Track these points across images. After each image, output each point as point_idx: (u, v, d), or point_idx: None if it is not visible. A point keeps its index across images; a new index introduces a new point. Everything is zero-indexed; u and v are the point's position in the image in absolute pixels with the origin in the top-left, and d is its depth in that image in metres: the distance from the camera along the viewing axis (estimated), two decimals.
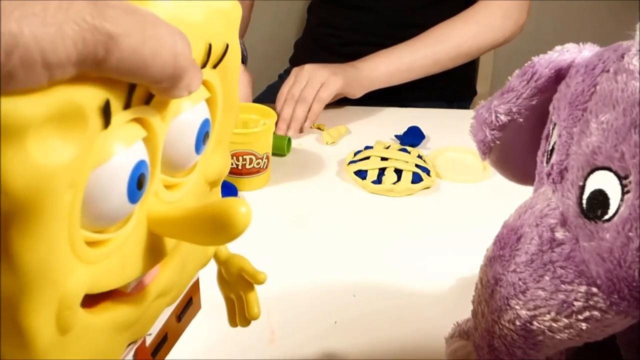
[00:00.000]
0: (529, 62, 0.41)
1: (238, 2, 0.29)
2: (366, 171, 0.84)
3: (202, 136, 0.28)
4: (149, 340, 0.32)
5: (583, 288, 0.32)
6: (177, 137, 0.27)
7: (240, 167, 0.81)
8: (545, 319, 0.33)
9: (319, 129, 0.99)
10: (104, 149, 0.22)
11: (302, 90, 0.96)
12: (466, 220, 0.77)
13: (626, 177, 0.31)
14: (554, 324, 0.33)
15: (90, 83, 0.20)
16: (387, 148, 0.89)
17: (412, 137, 0.95)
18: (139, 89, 0.22)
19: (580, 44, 0.40)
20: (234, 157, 0.81)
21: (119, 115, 0.22)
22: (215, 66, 0.28)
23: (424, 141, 0.96)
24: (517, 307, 0.34)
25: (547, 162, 0.38)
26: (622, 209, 0.31)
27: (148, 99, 0.23)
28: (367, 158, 0.86)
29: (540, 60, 0.40)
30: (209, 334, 0.54)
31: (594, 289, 0.32)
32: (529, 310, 0.34)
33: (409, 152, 0.88)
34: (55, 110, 0.19)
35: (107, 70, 0.20)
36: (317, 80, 0.96)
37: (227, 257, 0.39)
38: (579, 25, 1.80)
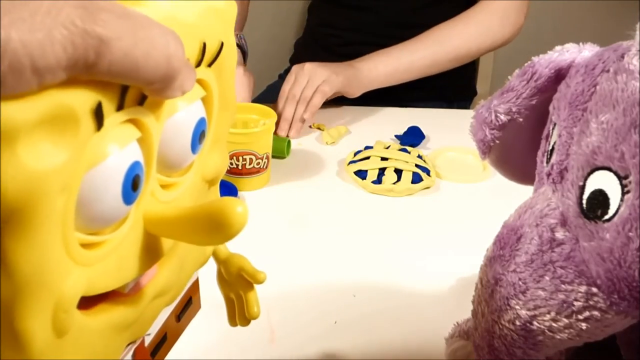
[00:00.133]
0: (529, 62, 0.41)
1: (233, 0, 0.29)
2: (366, 171, 0.84)
3: (198, 135, 0.28)
4: (148, 340, 0.32)
5: (583, 288, 0.32)
6: (173, 137, 0.27)
7: (240, 167, 0.81)
8: (545, 319, 0.33)
9: (319, 129, 0.99)
10: (98, 150, 0.22)
11: (304, 90, 0.96)
12: (466, 220, 0.77)
13: (626, 177, 0.31)
14: (554, 324, 0.33)
15: (82, 86, 0.20)
16: (387, 148, 0.89)
17: (412, 137, 0.95)
18: (132, 90, 0.22)
19: (580, 44, 0.40)
20: (234, 157, 0.81)
21: (112, 117, 0.22)
22: (210, 64, 0.28)
23: (424, 141, 0.96)
24: (517, 307, 0.34)
25: (547, 162, 0.38)
26: (622, 209, 0.31)
27: (141, 100, 0.23)
28: (367, 158, 0.86)
29: (540, 60, 0.40)
30: (209, 334, 0.54)
31: (594, 289, 0.32)
32: (529, 310, 0.34)
33: (409, 152, 0.88)
34: (46, 114, 0.19)
35: (98, 74, 0.20)
36: (317, 80, 0.96)
37: (227, 256, 0.39)
38: (579, 25, 1.79)
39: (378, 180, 0.83)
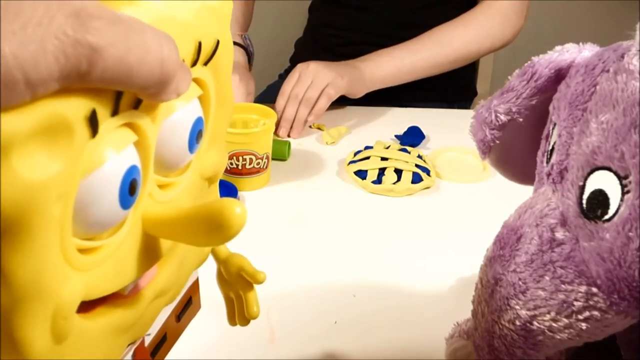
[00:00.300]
0: (529, 62, 0.41)
1: None
2: (366, 171, 0.84)
3: (195, 135, 0.28)
4: (148, 341, 0.32)
5: (583, 288, 0.32)
6: (170, 137, 0.27)
7: (240, 167, 0.81)
8: (545, 319, 0.33)
9: (319, 129, 0.99)
10: (94, 157, 0.22)
11: (306, 90, 0.96)
12: (466, 220, 0.77)
13: (626, 177, 0.31)
14: (554, 324, 0.33)
15: (75, 94, 0.20)
16: (387, 148, 0.89)
17: (412, 137, 0.95)
18: (127, 94, 0.22)
19: (580, 44, 0.40)
20: (234, 157, 0.81)
21: (107, 123, 0.22)
22: (206, 63, 0.28)
23: (424, 141, 0.96)
24: (517, 307, 0.34)
25: (547, 162, 0.38)
26: (622, 209, 0.31)
27: (137, 104, 0.23)
28: (367, 158, 0.86)
29: (540, 60, 0.40)
30: (209, 334, 0.54)
31: (594, 289, 0.32)
32: (529, 310, 0.34)
33: (409, 152, 0.88)
34: (40, 124, 0.19)
35: (91, 82, 0.20)
36: (322, 81, 0.96)
37: (227, 256, 0.39)
38: (579, 25, 1.80)
39: (378, 180, 0.83)
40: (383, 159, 0.86)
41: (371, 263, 0.69)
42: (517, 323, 0.34)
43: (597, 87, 0.33)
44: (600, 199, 0.32)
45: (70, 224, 0.22)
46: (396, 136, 0.96)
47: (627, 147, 0.30)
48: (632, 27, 0.34)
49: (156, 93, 0.22)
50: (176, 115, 0.27)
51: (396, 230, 0.76)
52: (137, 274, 0.27)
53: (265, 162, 0.82)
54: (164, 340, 0.34)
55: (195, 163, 0.30)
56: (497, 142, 0.43)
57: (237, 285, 0.39)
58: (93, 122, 0.21)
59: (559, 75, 0.39)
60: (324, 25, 1.22)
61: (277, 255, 0.69)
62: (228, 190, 0.79)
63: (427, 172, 0.84)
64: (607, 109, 0.32)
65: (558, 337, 0.34)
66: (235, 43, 1.07)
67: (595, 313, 0.32)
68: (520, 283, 0.34)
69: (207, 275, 0.40)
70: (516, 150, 0.45)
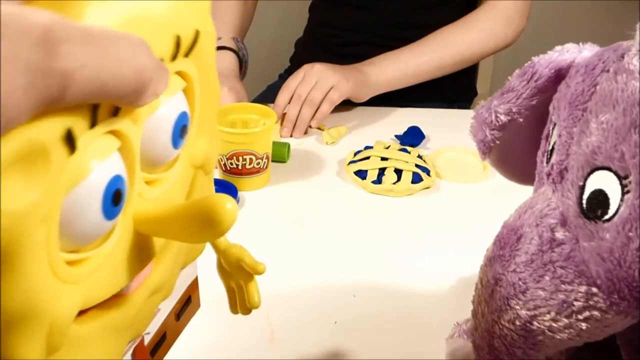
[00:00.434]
0: (529, 62, 0.41)
1: None
2: (366, 171, 0.84)
3: (179, 131, 0.28)
4: (147, 339, 0.32)
5: (583, 288, 0.32)
6: (153, 135, 0.26)
7: (240, 167, 0.81)
8: (545, 319, 0.33)
9: (319, 129, 0.99)
10: (75, 172, 0.21)
11: (310, 91, 0.95)
12: (466, 220, 0.77)
13: (626, 177, 0.31)
14: (554, 324, 0.33)
15: (48, 115, 0.19)
16: (387, 148, 0.89)
17: (412, 137, 0.95)
18: (104, 104, 0.22)
19: (580, 44, 0.40)
20: (234, 157, 0.81)
21: (86, 135, 0.22)
22: (187, 54, 0.28)
23: (424, 141, 0.96)
24: (517, 307, 0.34)
25: (547, 162, 0.38)
26: (622, 209, 0.31)
27: (116, 111, 0.23)
28: (367, 158, 0.86)
29: (540, 60, 0.40)
30: (209, 334, 0.54)
31: (594, 289, 0.32)
32: (529, 310, 0.34)
33: (409, 152, 0.88)
34: (15, 154, 0.19)
35: (65, 104, 0.19)
36: (327, 83, 0.95)
37: (226, 247, 0.39)
38: (579, 25, 1.79)
39: (378, 180, 0.83)
40: (383, 159, 0.86)
41: (371, 263, 0.69)
42: (517, 323, 0.34)
43: (597, 87, 0.33)
44: (600, 199, 0.32)
45: (57, 241, 0.22)
46: (396, 136, 0.96)
47: (627, 147, 0.30)
48: (632, 27, 0.34)
49: (134, 100, 0.22)
50: (159, 112, 0.26)
51: (396, 230, 0.76)
52: (132, 275, 0.27)
53: (265, 162, 0.82)
54: (164, 339, 0.34)
55: (184, 154, 0.29)
56: (497, 142, 0.43)
57: (238, 276, 0.39)
58: (70, 140, 0.21)
59: (559, 75, 0.39)
60: (324, 25, 1.22)
61: (277, 255, 0.69)
62: (228, 190, 0.79)
63: (427, 172, 0.84)
64: (607, 109, 0.32)
65: (558, 337, 0.34)
66: (226, 47, 1.04)
67: (595, 313, 0.32)
68: (520, 283, 0.34)
69: (207, 273, 0.40)
70: (516, 150, 0.45)
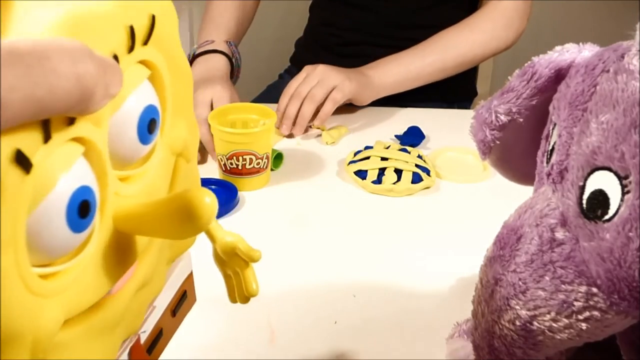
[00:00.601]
0: (529, 62, 0.41)
1: None
2: (366, 171, 0.84)
3: (146, 126, 0.27)
4: (143, 338, 0.32)
5: (583, 288, 0.32)
6: (120, 131, 0.26)
7: (240, 167, 0.81)
8: (545, 319, 0.33)
9: (319, 129, 0.99)
10: (38, 189, 0.21)
11: (312, 89, 0.95)
12: (466, 220, 0.77)
13: (626, 177, 0.31)
14: (554, 324, 0.33)
15: None
16: (387, 148, 0.89)
17: (412, 137, 0.95)
18: (56, 117, 0.21)
19: (580, 44, 0.40)
20: (234, 157, 0.81)
21: (42, 150, 0.21)
22: (146, 42, 0.26)
23: (424, 141, 0.96)
24: (517, 307, 0.34)
25: (547, 162, 0.38)
26: (622, 209, 0.31)
27: (71, 120, 0.22)
28: (367, 158, 0.86)
29: (540, 60, 0.40)
30: (209, 334, 0.54)
31: (594, 289, 0.32)
32: (529, 310, 0.34)
33: (409, 152, 0.88)
34: None
35: (4, 128, 0.18)
36: (329, 83, 0.95)
37: (221, 235, 0.38)
38: (579, 25, 1.79)
39: (378, 180, 0.83)
40: (383, 159, 0.86)
41: (371, 263, 0.69)
42: (517, 323, 0.34)
43: (597, 87, 0.33)
44: (600, 199, 0.32)
45: (27, 259, 0.21)
46: (396, 136, 0.96)
47: (627, 147, 0.30)
48: (632, 27, 0.34)
49: (84, 109, 0.21)
50: (122, 109, 0.25)
51: (396, 230, 0.76)
52: (116, 278, 0.26)
53: (265, 162, 0.82)
54: (160, 336, 0.34)
55: (162, 142, 0.29)
56: (498, 142, 0.43)
57: (234, 264, 0.39)
58: (21, 161, 0.20)
59: (559, 75, 0.39)
60: (324, 24, 1.21)
61: (277, 255, 0.69)
62: (228, 190, 0.79)
63: (427, 172, 0.84)
64: (607, 109, 0.32)
65: (558, 337, 0.34)
66: (217, 51, 1.02)
67: (596, 313, 0.32)
68: (520, 283, 0.34)
69: (205, 272, 0.40)
70: (516, 150, 0.45)
